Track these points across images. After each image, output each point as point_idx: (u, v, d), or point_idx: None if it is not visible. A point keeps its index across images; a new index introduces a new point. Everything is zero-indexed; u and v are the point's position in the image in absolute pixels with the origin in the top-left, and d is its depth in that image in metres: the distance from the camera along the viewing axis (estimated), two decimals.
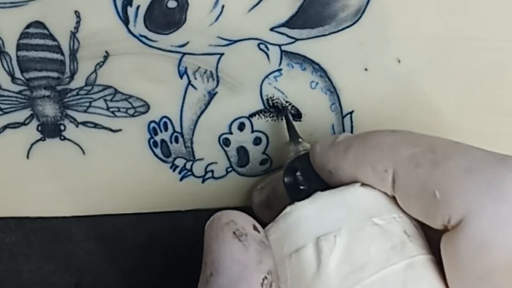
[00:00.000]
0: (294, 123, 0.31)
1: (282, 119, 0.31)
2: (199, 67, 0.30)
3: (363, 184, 0.25)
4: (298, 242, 0.24)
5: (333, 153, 0.26)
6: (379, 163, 0.24)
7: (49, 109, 0.31)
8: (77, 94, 0.31)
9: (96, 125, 0.32)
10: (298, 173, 0.27)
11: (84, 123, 0.32)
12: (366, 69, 0.31)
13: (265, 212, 0.30)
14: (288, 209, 0.25)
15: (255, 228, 0.24)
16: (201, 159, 0.32)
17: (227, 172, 0.33)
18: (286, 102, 0.31)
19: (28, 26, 0.29)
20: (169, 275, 0.36)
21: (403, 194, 0.24)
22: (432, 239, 0.24)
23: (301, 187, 0.27)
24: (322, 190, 0.25)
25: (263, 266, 0.23)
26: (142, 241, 0.35)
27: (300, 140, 0.29)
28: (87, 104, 0.31)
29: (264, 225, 0.25)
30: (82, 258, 0.35)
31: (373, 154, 0.24)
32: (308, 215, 0.24)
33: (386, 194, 0.25)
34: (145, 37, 0.29)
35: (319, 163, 0.26)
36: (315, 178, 0.27)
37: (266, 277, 0.23)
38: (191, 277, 0.36)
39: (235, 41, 0.30)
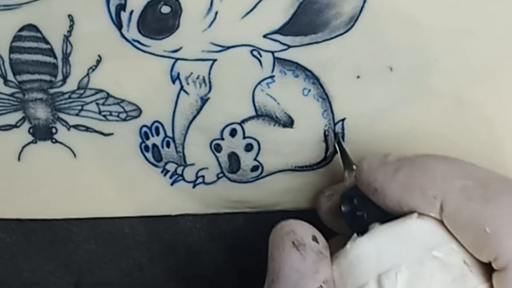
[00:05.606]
0: (287, 129, 0.31)
1: (334, 146, 0.31)
2: (191, 73, 0.30)
3: (419, 215, 0.25)
4: (360, 280, 0.25)
5: (382, 172, 0.26)
6: (429, 188, 0.25)
7: (41, 112, 0.31)
8: (69, 97, 0.31)
9: (87, 129, 0.32)
10: (355, 201, 0.28)
11: (75, 127, 0.32)
12: (358, 77, 0.31)
13: (333, 219, 0.30)
14: (348, 245, 0.26)
15: (314, 238, 0.26)
16: (192, 164, 0.32)
17: (218, 178, 0.33)
18: (326, 126, 0.31)
19: (21, 29, 0.29)
20: (169, 275, 0.36)
21: (451, 222, 0.25)
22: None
23: (358, 214, 0.27)
24: (380, 217, 0.26)
25: (319, 275, 0.25)
26: (142, 241, 0.35)
27: (354, 167, 0.29)
28: (79, 108, 0.31)
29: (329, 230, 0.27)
30: (82, 258, 0.35)
31: (424, 179, 0.25)
32: (368, 252, 0.25)
33: (442, 223, 0.25)
34: (138, 41, 0.29)
35: (365, 180, 0.27)
36: (372, 205, 0.27)
37: (321, 286, 0.24)
38: (191, 277, 0.36)
39: (228, 47, 0.30)
